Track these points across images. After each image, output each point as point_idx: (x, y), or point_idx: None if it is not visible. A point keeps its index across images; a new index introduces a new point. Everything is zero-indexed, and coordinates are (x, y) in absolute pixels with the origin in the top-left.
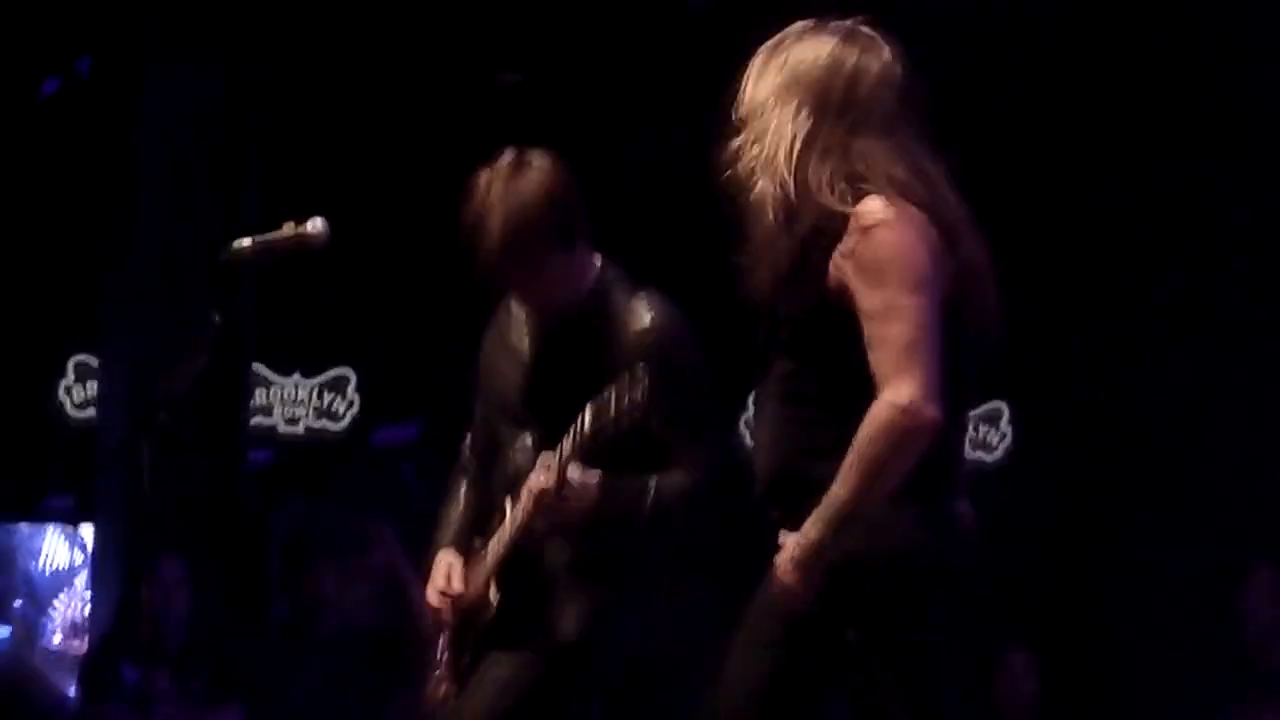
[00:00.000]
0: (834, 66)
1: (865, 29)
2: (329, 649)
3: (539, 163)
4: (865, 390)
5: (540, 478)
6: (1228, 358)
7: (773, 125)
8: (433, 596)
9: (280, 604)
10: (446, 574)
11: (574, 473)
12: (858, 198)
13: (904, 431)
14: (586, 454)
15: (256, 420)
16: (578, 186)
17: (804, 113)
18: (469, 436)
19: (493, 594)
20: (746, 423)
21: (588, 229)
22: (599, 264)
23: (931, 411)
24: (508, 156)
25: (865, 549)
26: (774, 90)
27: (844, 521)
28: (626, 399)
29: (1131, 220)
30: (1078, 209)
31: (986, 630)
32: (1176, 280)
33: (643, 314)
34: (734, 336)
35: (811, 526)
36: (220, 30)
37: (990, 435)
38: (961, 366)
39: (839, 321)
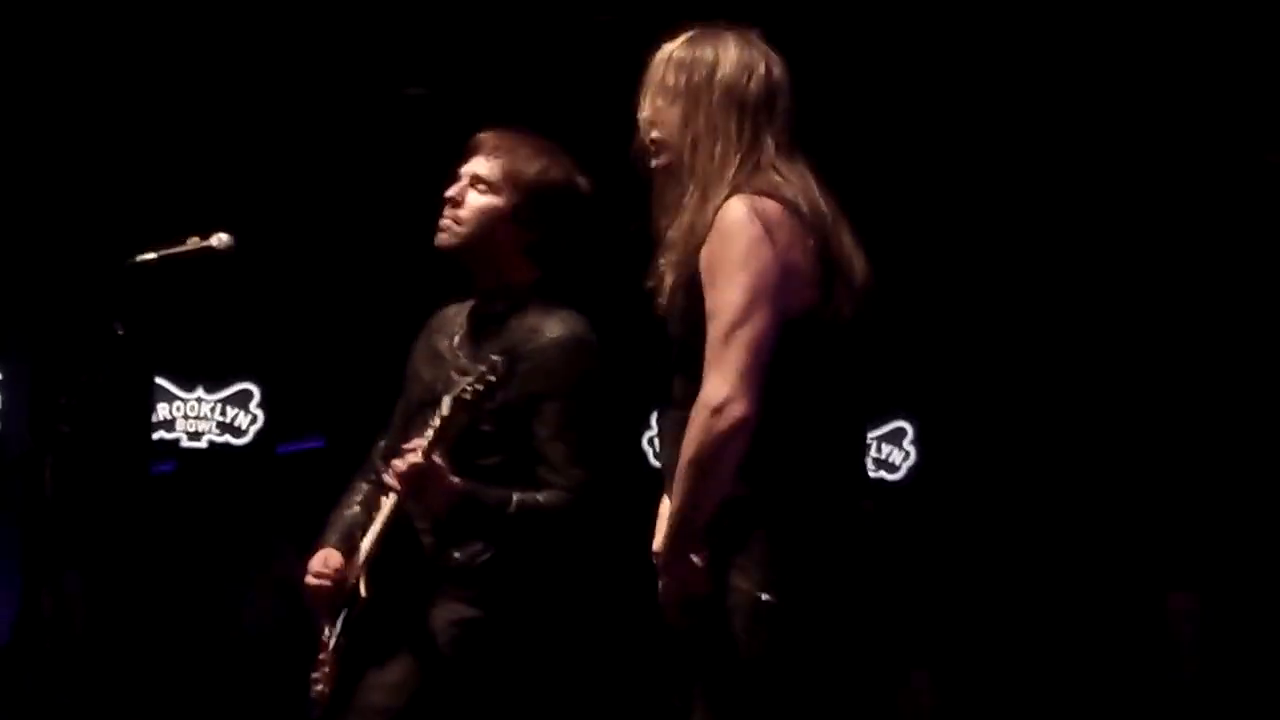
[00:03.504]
0: (737, 70)
1: (759, 37)
2: (232, 659)
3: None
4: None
5: (402, 461)
6: (1134, 376)
7: (678, 130)
8: (308, 581)
9: (182, 614)
10: (322, 561)
11: (439, 459)
12: (729, 198)
13: (715, 432)
14: (447, 442)
15: (160, 434)
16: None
17: (704, 116)
18: (379, 442)
19: (363, 586)
20: (650, 441)
21: (551, 245)
22: (536, 276)
23: (739, 410)
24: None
25: (782, 550)
26: (675, 94)
27: (686, 532)
28: (480, 388)
29: (1033, 237)
30: (981, 228)
31: (889, 648)
32: (1080, 299)
33: (556, 326)
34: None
35: (660, 542)
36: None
37: (894, 454)
38: (835, 370)
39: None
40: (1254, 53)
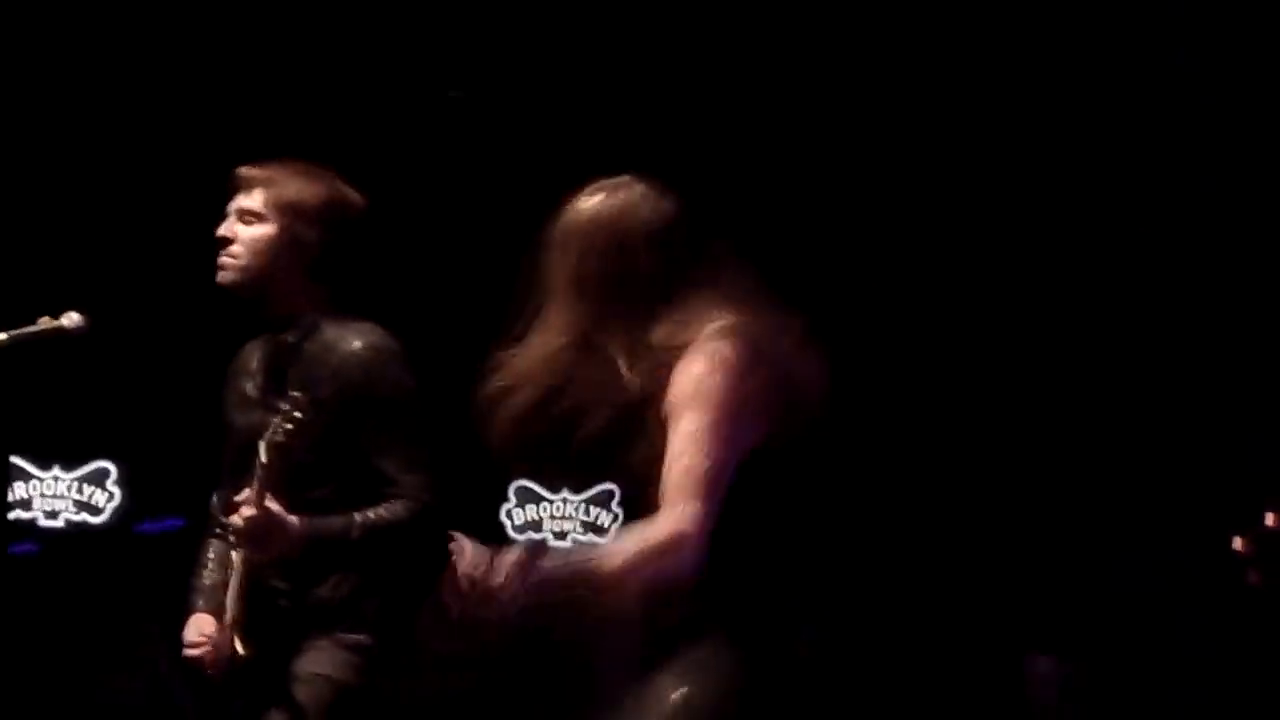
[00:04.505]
0: (633, 223)
1: (646, 183)
2: None
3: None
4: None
5: (238, 517)
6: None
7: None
8: (186, 654)
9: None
10: (195, 629)
11: (272, 504)
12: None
13: (673, 564)
14: (275, 486)
15: (15, 514)
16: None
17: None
18: (214, 498)
19: (239, 645)
20: (508, 513)
21: (331, 261)
22: (324, 295)
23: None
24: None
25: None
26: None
27: (581, 582)
28: (289, 427)
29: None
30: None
31: None
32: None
33: (351, 340)
34: None
35: (556, 562)
36: None
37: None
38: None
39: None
40: None
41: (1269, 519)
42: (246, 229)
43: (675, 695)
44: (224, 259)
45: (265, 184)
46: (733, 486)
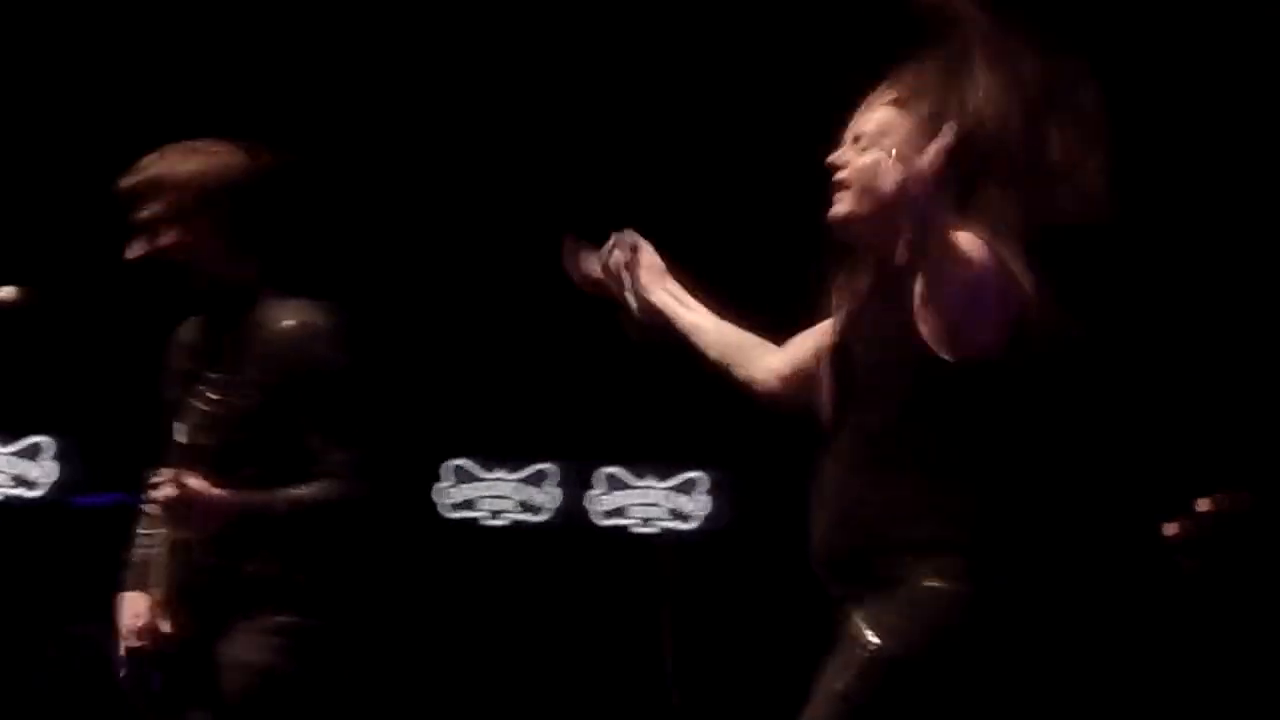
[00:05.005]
0: None
1: None
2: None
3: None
4: (979, 450)
5: (161, 492)
6: None
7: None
8: (123, 638)
9: None
10: (128, 608)
11: (193, 480)
12: None
13: None
14: (199, 462)
15: None
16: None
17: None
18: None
19: (165, 622)
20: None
21: (250, 232)
22: (253, 268)
23: None
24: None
25: None
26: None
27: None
28: (215, 398)
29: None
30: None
31: None
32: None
33: (284, 318)
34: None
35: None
36: None
37: (686, 504)
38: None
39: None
40: None
41: (1200, 504)
42: (161, 238)
43: (878, 632)
44: (155, 269)
45: (149, 190)
46: (965, 408)
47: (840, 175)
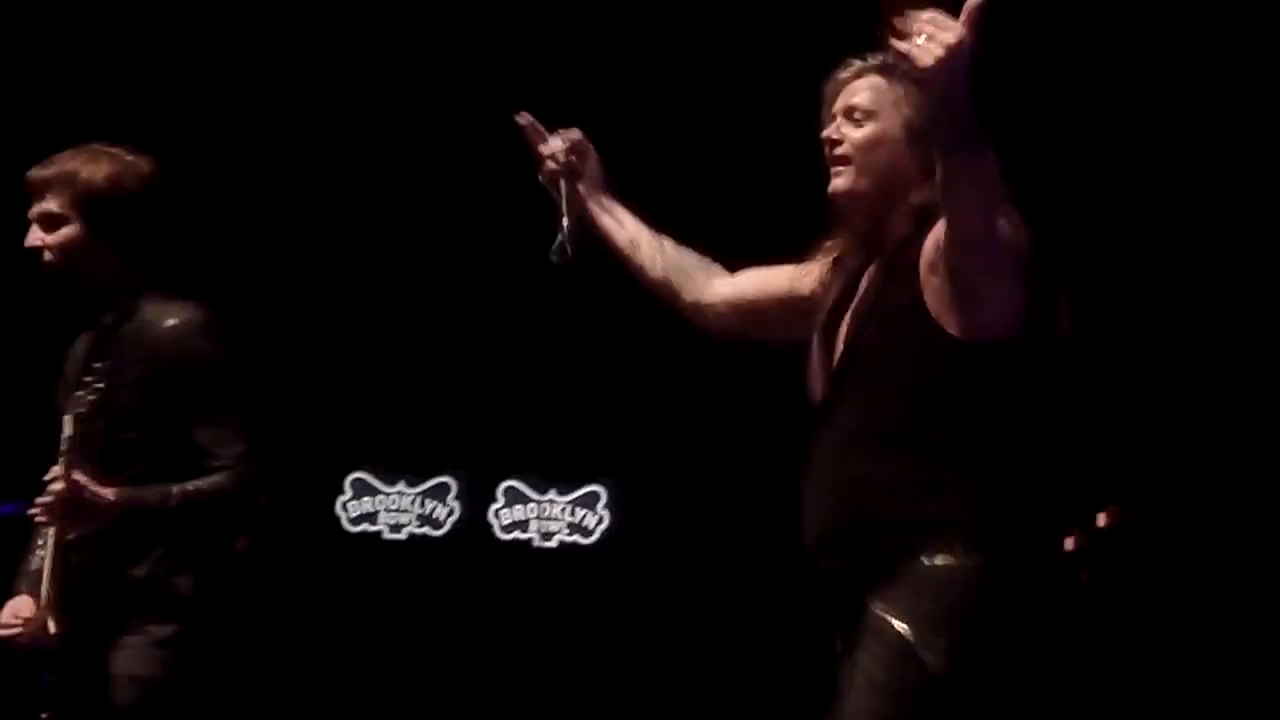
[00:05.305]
0: None
1: None
2: None
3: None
4: (983, 429)
5: (46, 493)
6: None
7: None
8: (2, 635)
9: None
10: (11, 610)
11: (80, 475)
12: None
13: None
14: (85, 459)
15: None
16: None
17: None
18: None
19: (50, 624)
20: (343, 505)
21: (136, 239)
22: (142, 274)
23: None
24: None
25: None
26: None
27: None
28: (93, 398)
29: None
30: None
31: None
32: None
33: (167, 317)
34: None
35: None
36: None
37: (588, 518)
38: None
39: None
40: None
41: (1100, 519)
42: (51, 234)
43: (904, 616)
44: (44, 263)
45: (56, 184)
46: (970, 388)
47: (839, 150)
